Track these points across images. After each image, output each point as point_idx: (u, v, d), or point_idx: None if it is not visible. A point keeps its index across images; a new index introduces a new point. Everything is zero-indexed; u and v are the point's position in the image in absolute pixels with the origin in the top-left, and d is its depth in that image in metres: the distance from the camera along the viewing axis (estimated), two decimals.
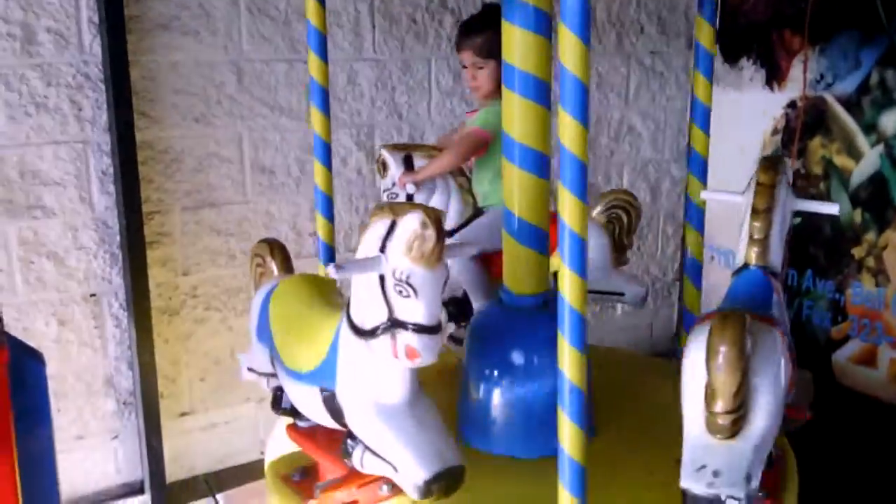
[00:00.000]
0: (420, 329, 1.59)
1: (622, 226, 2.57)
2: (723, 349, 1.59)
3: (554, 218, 2.10)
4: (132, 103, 2.63)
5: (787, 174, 1.87)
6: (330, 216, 2.44)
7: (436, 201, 2.44)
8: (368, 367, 1.69)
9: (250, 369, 2.06)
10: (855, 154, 3.19)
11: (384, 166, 2.43)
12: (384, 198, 2.45)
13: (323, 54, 2.31)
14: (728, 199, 1.91)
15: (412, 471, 1.64)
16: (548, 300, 2.07)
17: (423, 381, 1.75)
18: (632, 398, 2.28)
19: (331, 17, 2.97)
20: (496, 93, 2.35)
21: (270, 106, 2.93)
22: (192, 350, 2.92)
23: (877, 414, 3.21)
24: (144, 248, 2.72)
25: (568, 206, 1.48)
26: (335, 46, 3.00)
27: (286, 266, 2.06)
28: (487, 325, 2.16)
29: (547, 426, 1.67)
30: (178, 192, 2.81)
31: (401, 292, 1.58)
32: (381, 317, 1.62)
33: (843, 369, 3.34)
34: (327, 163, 2.42)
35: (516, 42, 1.93)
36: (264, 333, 1.94)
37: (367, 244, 1.63)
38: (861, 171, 3.19)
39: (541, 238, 2.05)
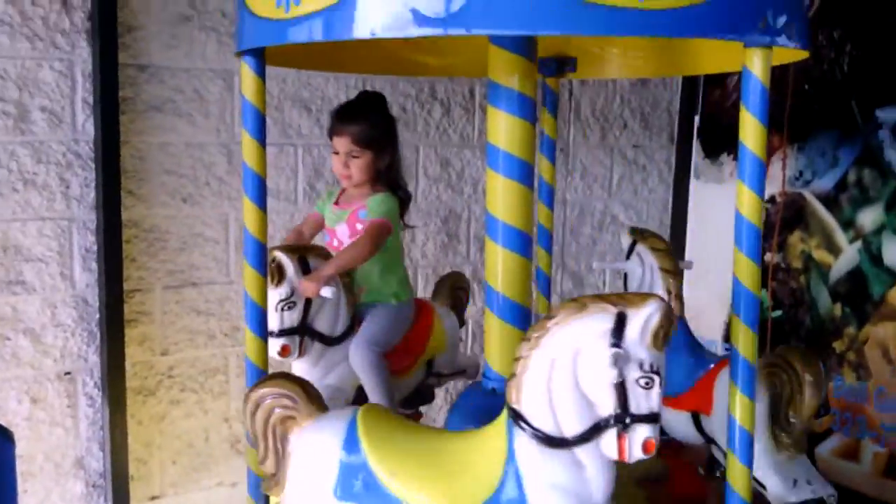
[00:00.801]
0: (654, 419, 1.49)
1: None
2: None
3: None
4: (121, 182, 2.65)
5: None
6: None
7: (329, 305, 2.26)
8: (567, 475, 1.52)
9: None
10: (834, 249, 3.24)
11: (279, 272, 2.17)
12: (276, 310, 2.16)
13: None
14: (616, 266, 2.36)
15: None
16: None
17: None
18: None
19: (323, 104, 3.03)
20: (373, 183, 2.31)
21: None
22: (165, 432, 2.86)
23: None
24: (123, 327, 2.69)
25: (744, 267, 1.66)
26: (325, 131, 3.04)
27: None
28: (470, 409, 2.13)
29: None
30: (160, 271, 2.80)
31: (647, 384, 1.47)
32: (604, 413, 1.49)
33: (827, 463, 3.30)
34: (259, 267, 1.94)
35: (502, 126, 1.98)
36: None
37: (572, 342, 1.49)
38: (840, 266, 3.23)
39: (525, 316, 2.05)
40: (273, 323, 2.16)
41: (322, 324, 2.28)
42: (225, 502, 3.00)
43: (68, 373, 2.68)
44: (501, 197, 1.99)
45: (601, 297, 1.50)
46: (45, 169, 2.59)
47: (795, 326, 3.36)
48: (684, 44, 2.23)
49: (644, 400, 1.46)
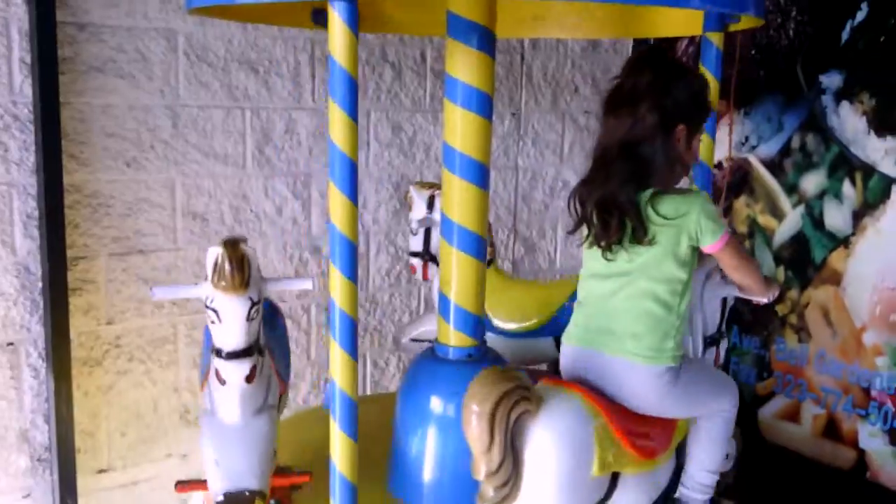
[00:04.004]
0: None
1: None
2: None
3: None
4: (61, 145, 2.55)
5: None
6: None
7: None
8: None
9: None
10: (778, 214, 3.31)
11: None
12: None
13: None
14: (179, 293, 1.96)
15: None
16: (472, 354, 2.08)
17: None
18: None
19: (271, 66, 2.96)
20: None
21: (205, 152, 2.88)
22: (112, 403, 2.80)
23: (801, 470, 3.27)
24: (67, 296, 2.61)
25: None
26: (274, 94, 2.98)
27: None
28: (417, 378, 2.14)
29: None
30: (105, 238, 2.72)
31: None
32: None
33: (769, 425, 3.40)
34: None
35: (458, 123, 1.97)
36: None
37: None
38: (783, 230, 3.31)
39: (475, 322, 2.11)
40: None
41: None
42: (175, 473, 2.95)
43: (11, 343, 2.59)
44: (457, 203, 2.02)
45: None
46: None
47: None
48: (637, 7, 2.23)
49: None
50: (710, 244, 1.81)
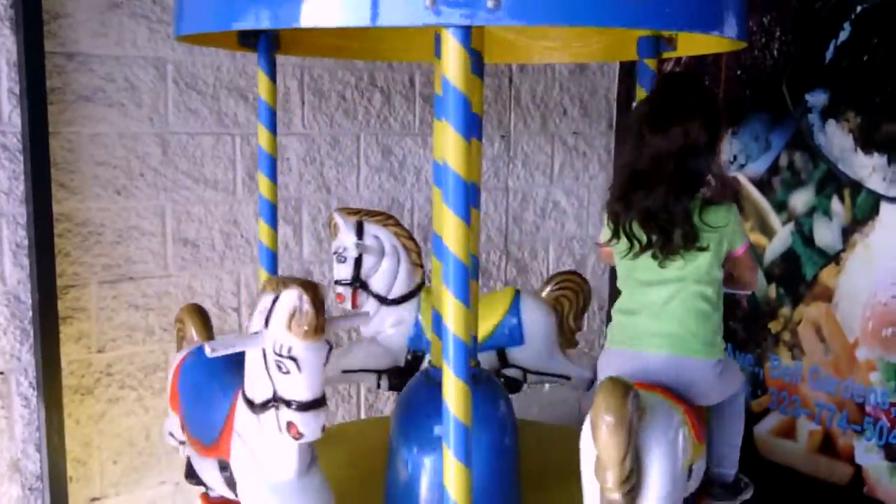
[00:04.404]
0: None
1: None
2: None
3: None
4: (51, 174, 2.56)
5: None
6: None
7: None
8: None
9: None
10: (768, 231, 3.33)
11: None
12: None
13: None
14: (238, 346, 1.70)
15: None
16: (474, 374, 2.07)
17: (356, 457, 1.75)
18: (559, 475, 2.26)
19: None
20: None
21: (195, 178, 2.89)
22: (104, 431, 2.79)
23: (798, 486, 3.26)
24: (58, 324, 2.61)
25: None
26: None
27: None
28: (413, 401, 2.13)
29: None
30: (95, 266, 2.72)
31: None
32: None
33: (765, 442, 3.40)
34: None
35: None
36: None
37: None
38: (774, 247, 3.32)
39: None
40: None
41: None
42: (168, 501, 2.94)
43: (1, 373, 2.58)
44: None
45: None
46: None
47: (732, 307, 3.44)
48: (621, 30, 2.27)
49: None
50: (738, 248, 2.07)
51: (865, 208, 3.01)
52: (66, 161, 2.64)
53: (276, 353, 1.56)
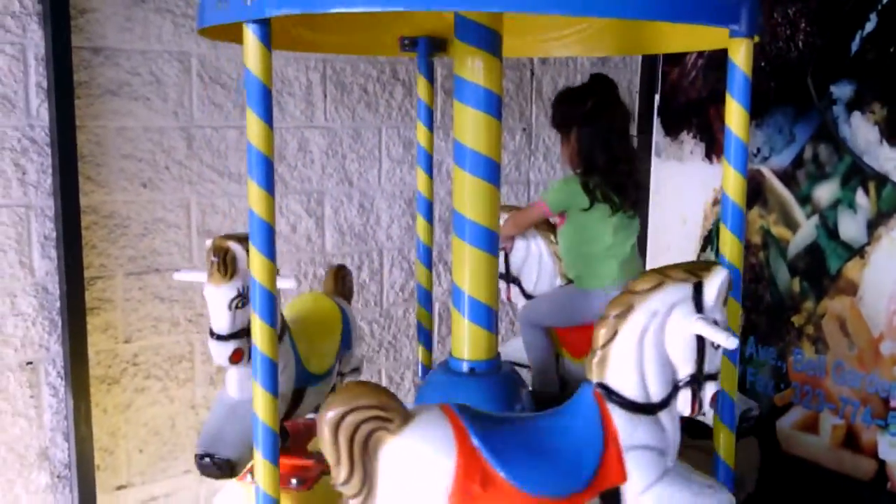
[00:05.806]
0: (213, 337, 2.08)
1: None
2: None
3: None
4: (78, 168, 2.60)
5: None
6: None
7: (530, 265, 2.75)
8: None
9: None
10: (792, 225, 3.30)
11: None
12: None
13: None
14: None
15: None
16: (475, 368, 2.09)
17: None
18: None
19: (283, 86, 3.00)
20: (571, 166, 2.58)
21: (220, 172, 2.92)
22: (131, 420, 2.84)
23: (821, 481, 3.24)
24: (85, 315, 2.65)
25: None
26: (286, 114, 3.02)
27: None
28: (431, 392, 2.14)
29: None
30: (121, 258, 2.76)
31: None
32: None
33: (787, 436, 3.38)
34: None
35: (468, 122, 1.99)
36: None
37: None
38: (798, 241, 3.29)
39: (488, 313, 2.11)
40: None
41: None
42: (194, 489, 2.98)
43: (30, 362, 2.63)
44: (468, 195, 2.03)
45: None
46: (0, 155, 2.53)
47: (756, 302, 3.42)
48: (646, 23, 2.25)
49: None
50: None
51: (891, 201, 2.97)
52: (92, 154, 2.68)
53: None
